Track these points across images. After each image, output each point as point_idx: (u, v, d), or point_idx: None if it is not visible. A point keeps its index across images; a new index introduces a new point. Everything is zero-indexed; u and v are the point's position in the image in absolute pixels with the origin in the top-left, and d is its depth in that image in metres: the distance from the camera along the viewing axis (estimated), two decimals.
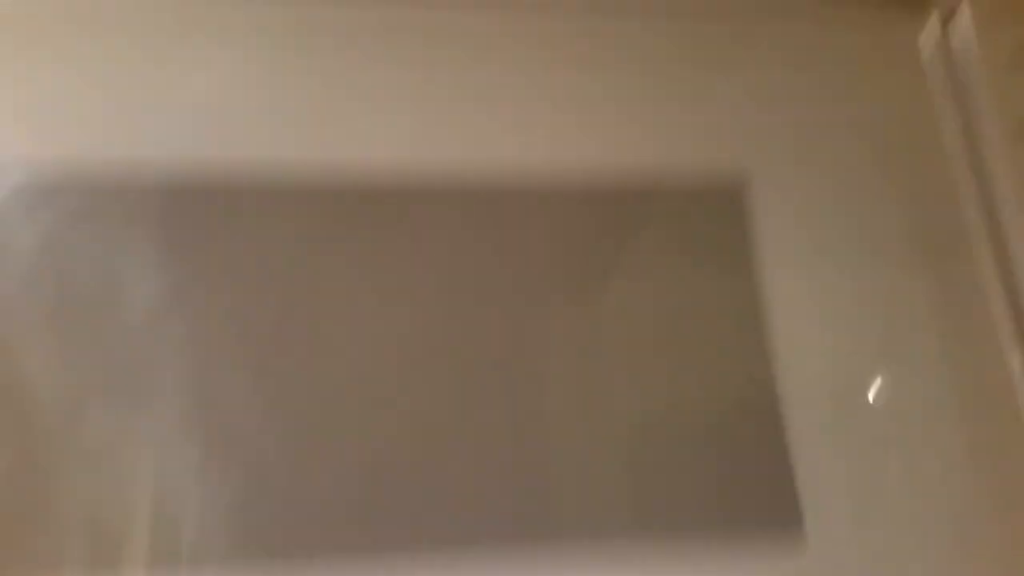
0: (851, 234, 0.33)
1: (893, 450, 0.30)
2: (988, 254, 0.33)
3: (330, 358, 0.27)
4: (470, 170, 0.30)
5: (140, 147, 0.29)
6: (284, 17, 0.31)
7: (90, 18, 0.30)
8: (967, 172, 0.34)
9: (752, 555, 0.27)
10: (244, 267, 0.28)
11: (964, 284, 0.32)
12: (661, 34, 0.34)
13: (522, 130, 0.32)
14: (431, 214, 0.30)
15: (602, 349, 0.29)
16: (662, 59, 0.34)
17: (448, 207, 0.30)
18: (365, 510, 0.25)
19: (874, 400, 0.30)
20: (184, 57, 0.30)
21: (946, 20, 0.36)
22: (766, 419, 0.29)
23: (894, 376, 0.31)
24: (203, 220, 0.28)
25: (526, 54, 0.33)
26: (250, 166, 0.29)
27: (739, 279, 0.31)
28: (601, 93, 0.33)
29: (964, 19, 0.35)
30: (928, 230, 0.33)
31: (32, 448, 0.24)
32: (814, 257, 0.32)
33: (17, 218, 0.27)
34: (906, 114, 0.35)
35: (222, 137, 0.29)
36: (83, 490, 0.24)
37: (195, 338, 0.26)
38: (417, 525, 0.26)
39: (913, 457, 0.30)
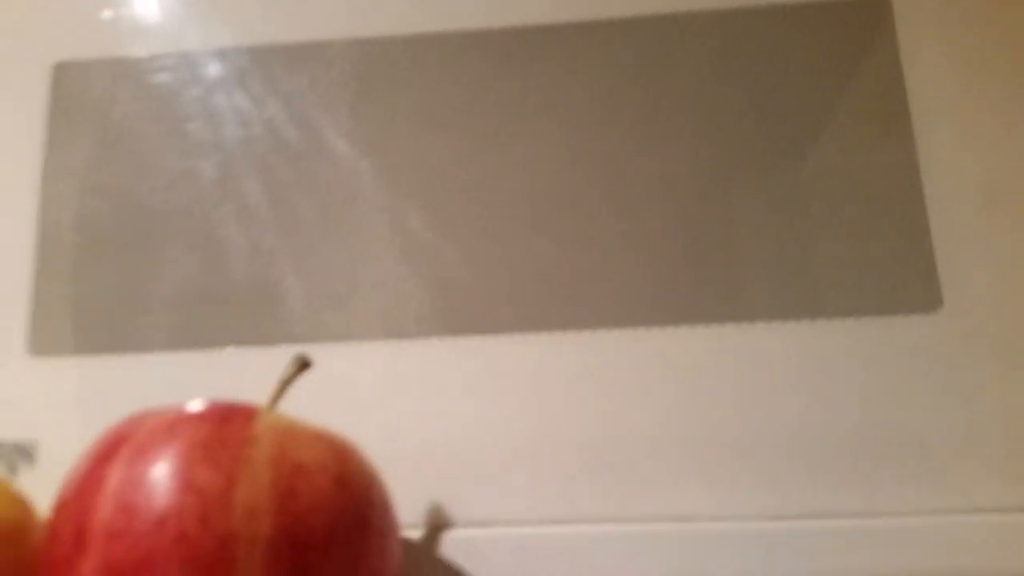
0: (997, 49, 0.28)
1: None
2: None
3: (501, 184, 0.29)
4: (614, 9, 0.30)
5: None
6: None
7: None
8: None
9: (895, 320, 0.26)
10: (425, 111, 0.30)
11: None
12: None
13: None
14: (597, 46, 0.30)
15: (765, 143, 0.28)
16: None
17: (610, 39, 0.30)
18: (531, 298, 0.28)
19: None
20: None
21: None
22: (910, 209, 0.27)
23: None
24: (386, 75, 0.31)
25: None
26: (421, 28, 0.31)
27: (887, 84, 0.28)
28: None
29: None
30: None
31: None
32: (961, 71, 0.28)
33: (235, 88, 0.31)
34: None
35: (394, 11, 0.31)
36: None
37: (384, 172, 0.30)
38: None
39: None
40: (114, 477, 0.18)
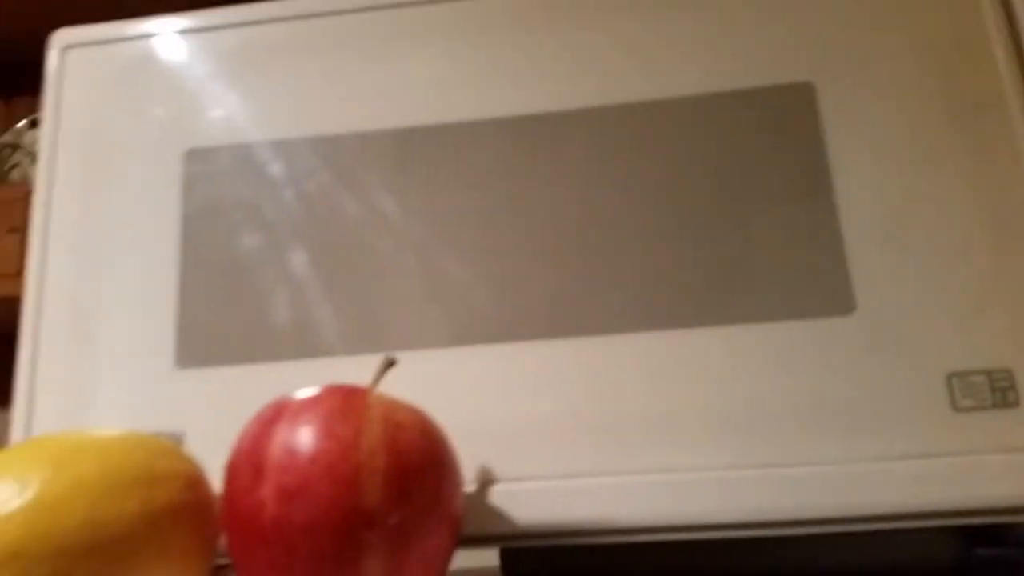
0: (900, 112, 0.37)
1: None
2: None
3: (513, 236, 0.39)
4: (608, 98, 0.40)
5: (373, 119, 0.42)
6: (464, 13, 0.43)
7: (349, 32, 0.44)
8: (1008, 56, 0.38)
9: (817, 322, 0.35)
10: (453, 182, 0.40)
11: (1001, 145, 0.37)
12: None
13: (647, 62, 0.40)
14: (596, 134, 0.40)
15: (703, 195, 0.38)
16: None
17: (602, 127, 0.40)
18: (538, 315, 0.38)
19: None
20: (401, 53, 0.43)
21: None
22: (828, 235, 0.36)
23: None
24: (423, 159, 0.41)
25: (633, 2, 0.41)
26: (458, 118, 0.41)
27: (811, 142, 0.37)
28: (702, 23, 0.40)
29: None
30: (970, 108, 0.37)
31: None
32: (871, 131, 0.37)
33: (299, 172, 0.41)
34: (956, 11, 0.39)
35: (434, 103, 0.42)
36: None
37: (423, 229, 0.40)
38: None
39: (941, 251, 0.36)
40: (279, 433, 0.28)
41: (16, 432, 0.40)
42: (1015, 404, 0.34)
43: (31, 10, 1.37)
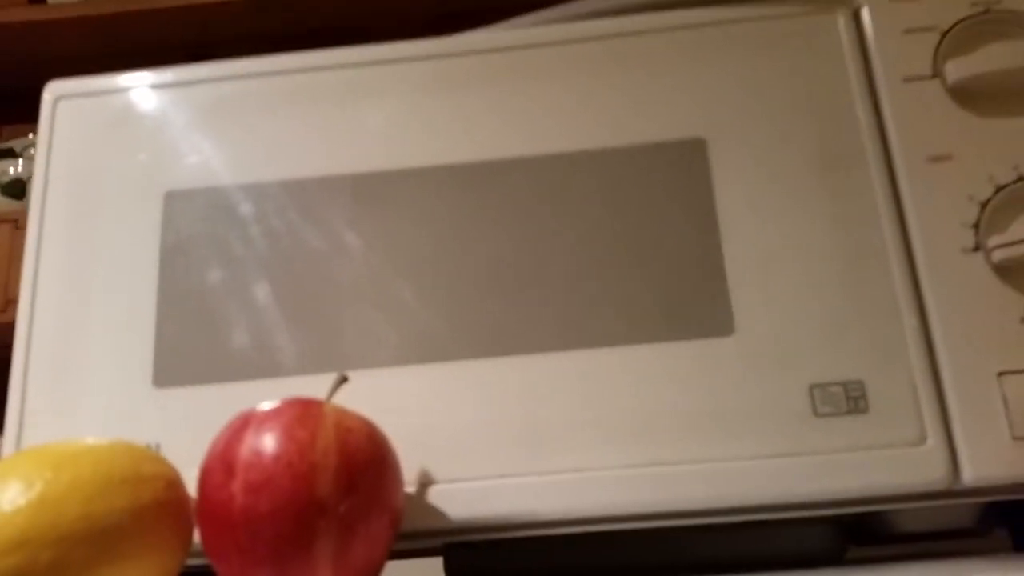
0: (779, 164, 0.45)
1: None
2: (880, 173, 0.44)
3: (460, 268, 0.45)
4: (536, 149, 0.47)
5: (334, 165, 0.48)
6: (421, 71, 0.49)
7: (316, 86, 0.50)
8: (869, 118, 0.45)
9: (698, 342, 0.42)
10: (410, 228, 0.47)
11: (861, 193, 0.44)
12: (642, 36, 0.48)
13: (552, 120, 0.47)
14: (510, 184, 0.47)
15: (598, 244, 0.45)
16: (639, 55, 0.48)
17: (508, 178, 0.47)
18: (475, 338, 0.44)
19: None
20: (359, 106, 0.49)
21: (857, 9, 0.47)
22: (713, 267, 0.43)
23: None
24: (377, 200, 0.47)
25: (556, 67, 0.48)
26: (409, 165, 0.48)
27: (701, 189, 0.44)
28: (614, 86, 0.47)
29: (868, 9, 0.47)
30: (836, 161, 0.45)
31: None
32: (754, 178, 0.45)
33: (266, 211, 0.48)
34: (826, 79, 0.46)
35: (388, 151, 0.48)
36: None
37: (383, 262, 0.46)
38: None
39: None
40: (247, 438, 0.34)
41: (8, 442, 0.45)
42: (865, 411, 0.41)
43: None
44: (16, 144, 1.41)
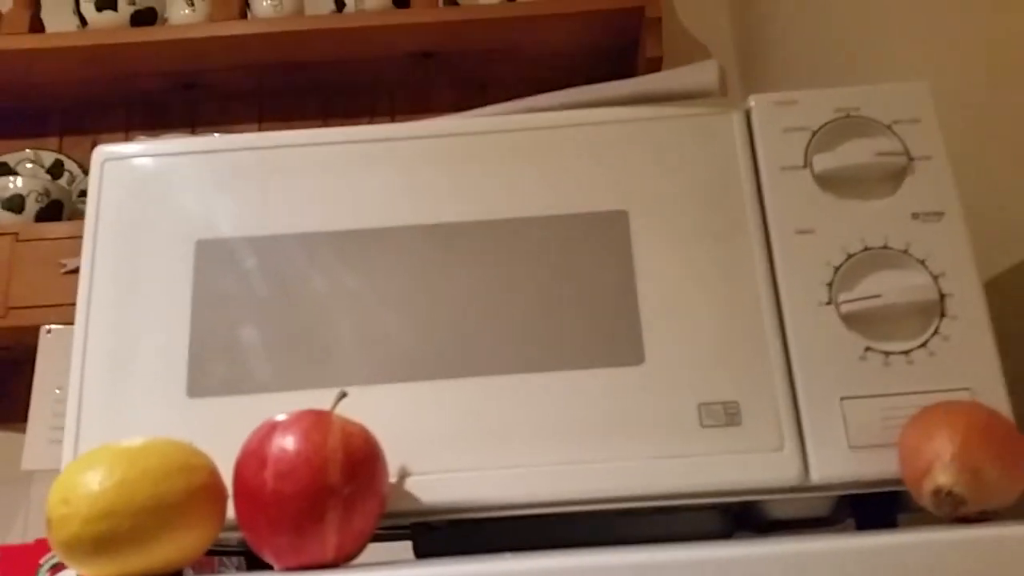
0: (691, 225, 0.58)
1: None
2: (759, 241, 0.58)
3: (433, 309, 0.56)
4: (494, 214, 0.60)
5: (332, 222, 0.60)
6: (407, 148, 0.61)
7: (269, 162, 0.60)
8: (752, 198, 0.59)
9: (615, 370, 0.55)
10: (389, 277, 0.58)
11: (743, 256, 0.57)
12: (580, 127, 0.61)
13: (507, 192, 0.59)
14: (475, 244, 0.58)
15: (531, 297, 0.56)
16: (577, 143, 0.60)
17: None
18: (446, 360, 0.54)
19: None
20: (352, 174, 0.60)
21: (748, 110, 0.61)
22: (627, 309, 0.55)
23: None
24: (364, 253, 0.58)
25: (511, 150, 0.61)
26: (391, 224, 0.59)
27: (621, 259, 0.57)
28: (546, 166, 0.60)
29: (756, 111, 0.60)
30: (725, 230, 0.58)
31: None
32: (669, 254, 0.58)
33: (279, 260, 0.59)
34: (721, 166, 0.60)
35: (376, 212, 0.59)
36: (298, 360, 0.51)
37: (364, 306, 0.56)
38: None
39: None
40: (275, 438, 0.46)
41: (68, 441, 0.56)
42: (739, 424, 0.54)
43: None
44: (10, 159, 1.50)
